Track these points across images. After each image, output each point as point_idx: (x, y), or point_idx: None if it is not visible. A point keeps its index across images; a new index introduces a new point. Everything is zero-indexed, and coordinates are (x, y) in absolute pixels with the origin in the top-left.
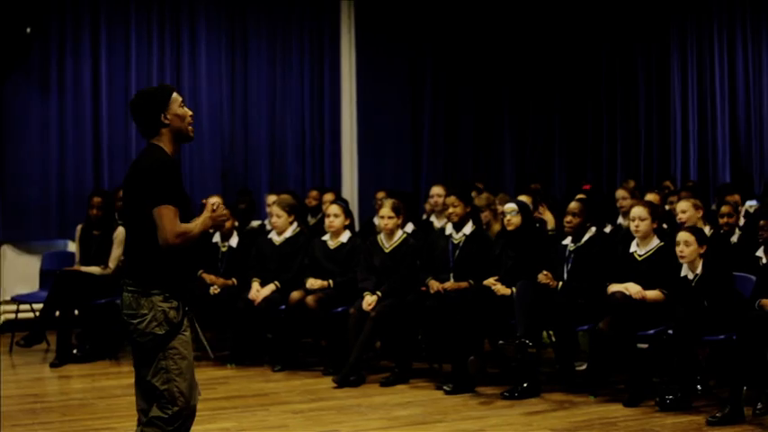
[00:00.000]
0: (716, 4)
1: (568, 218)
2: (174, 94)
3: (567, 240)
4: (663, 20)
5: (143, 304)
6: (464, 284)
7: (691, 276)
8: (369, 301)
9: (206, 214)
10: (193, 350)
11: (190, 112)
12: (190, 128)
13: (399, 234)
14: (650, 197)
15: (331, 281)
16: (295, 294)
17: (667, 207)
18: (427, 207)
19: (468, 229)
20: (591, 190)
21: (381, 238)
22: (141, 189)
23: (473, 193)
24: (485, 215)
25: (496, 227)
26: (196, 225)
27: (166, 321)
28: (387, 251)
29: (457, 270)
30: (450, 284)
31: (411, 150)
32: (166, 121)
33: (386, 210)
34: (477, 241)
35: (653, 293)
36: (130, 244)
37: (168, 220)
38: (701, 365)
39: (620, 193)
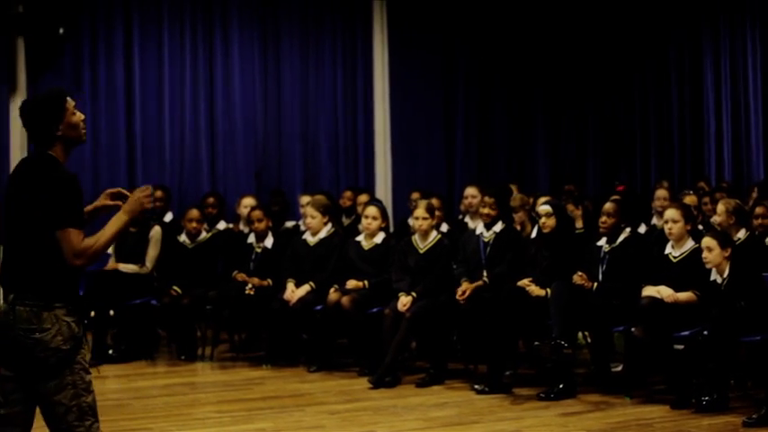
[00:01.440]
0: (749, 2)
1: (603, 218)
2: (68, 101)
3: (602, 241)
4: (695, 19)
5: (45, 318)
6: (480, 283)
7: (719, 280)
8: (404, 301)
9: (125, 208)
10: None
11: (82, 117)
12: (83, 132)
13: (434, 235)
14: (688, 200)
15: (366, 282)
16: (333, 295)
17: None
18: (461, 208)
19: (498, 227)
20: (624, 191)
21: (416, 238)
22: (39, 206)
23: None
24: (519, 216)
25: (530, 228)
26: (103, 232)
27: (71, 335)
28: (421, 252)
29: (489, 267)
30: (467, 286)
31: (444, 151)
32: (59, 134)
33: (420, 210)
34: (508, 237)
35: (686, 295)
36: (24, 256)
37: (67, 242)
38: (739, 366)
39: (661, 193)
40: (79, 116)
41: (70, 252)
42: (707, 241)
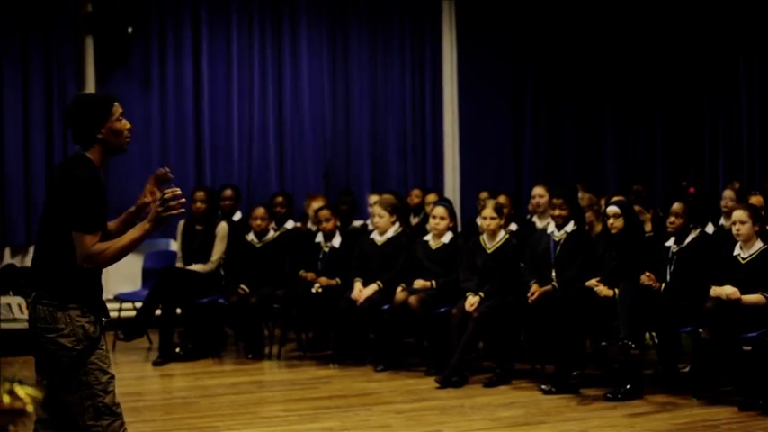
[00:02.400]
0: None
1: (671, 219)
2: (115, 106)
3: (671, 242)
4: (765, 18)
5: (59, 318)
6: (549, 288)
7: None
8: (471, 301)
9: (150, 216)
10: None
11: (128, 126)
12: (126, 141)
13: (502, 234)
14: (754, 200)
15: (434, 281)
16: (400, 294)
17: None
18: (529, 207)
19: (570, 227)
20: (694, 193)
21: (484, 238)
22: (62, 206)
23: (580, 195)
24: (588, 215)
25: (599, 227)
26: (121, 238)
27: (85, 336)
28: (489, 251)
29: (559, 267)
30: (537, 289)
31: (512, 150)
32: (100, 136)
33: (488, 210)
34: (579, 239)
35: (754, 297)
36: (46, 256)
37: (79, 244)
38: None
39: (728, 193)
40: (125, 124)
41: (80, 255)
42: None
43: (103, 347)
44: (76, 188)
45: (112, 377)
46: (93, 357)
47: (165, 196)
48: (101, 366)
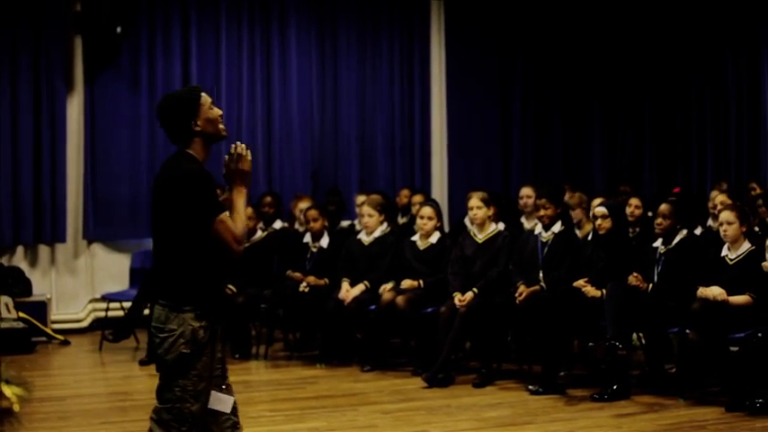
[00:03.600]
0: None
1: (659, 220)
2: (204, 97)
3: (658, 242)
4: (753, 19)
5: (173, 319)
6: (536, 288)
7: None
8: (461, 297)
9: (240, 193)
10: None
11: (219, 112)
12: (221, 127)
13: (493, 227)
14: (720, 198)
15: (421, 281)
16: (387, 295)
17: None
18: (519, 207)
19: (557, 227)
20: (680, 193)
21: (474, 229)
22: (179, 205)
23: (567, 196)
24: (576, 213)
25: (588, 226)
26: (236, 210)
27: (193, 341)
28: (480, 242)
29: (546, 268)
30: (524, 290)
31: (501, 151)
32: (197, 129)
33: (474, 201)
34: (566, 240)
35: (741, 298)
36: (163, 258)
37: (226, 229)
38: None
39: (715, 195)
40: (217, 111)
41: (232, 238)
42: None
43: (208, 355)
44: (191, 182)
45: (209, 386)
46: (197, 364)
47: (231, 151)
48: (201, 374)
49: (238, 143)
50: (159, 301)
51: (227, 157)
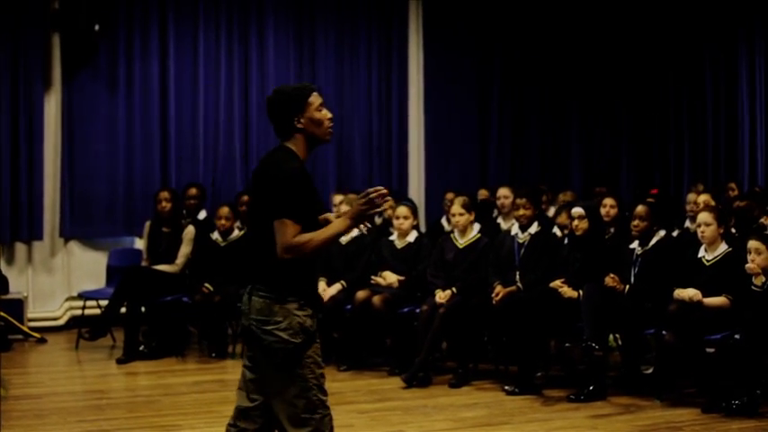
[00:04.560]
0: None
1: (636, 221)
2: (313, 96)
3: (635, 244)
4: (730, 21)
5: (277, 311)
6: (513, 288)
7: (759, 284)
8: (441, 295)
9: (351, 210)
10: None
11: (329, 116)
12: (328, 131)
13: (475, 232)
14: (704, 198)
15: (402, 277)
16: (361, 294)
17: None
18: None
19: (534, 228)
20: (657, 194)
21: (455, 234)
22: (267, 197)
23: (543, 198)
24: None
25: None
26: (324, 231)
27: (302, 330)
28: (460, 247)
29: (523, 269)
30: (501, 290)
31: (478, 152)
32: (300, 126)
33: (456, 207)
34: (543, 241)
35: (717, 300)
36: (262, 250)
37: (281, 234)
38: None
39: (692, 197)
40: (326, 114)
41: (281, 244)
42: (755, 244)
43: (318, 341)
44: (279, 179)
45: (324, 371)
46: (309, 351)
47: (371, 195)
48: (316, 360)
49: (382, 190)
50: (258, 293)
51: (370, 195)
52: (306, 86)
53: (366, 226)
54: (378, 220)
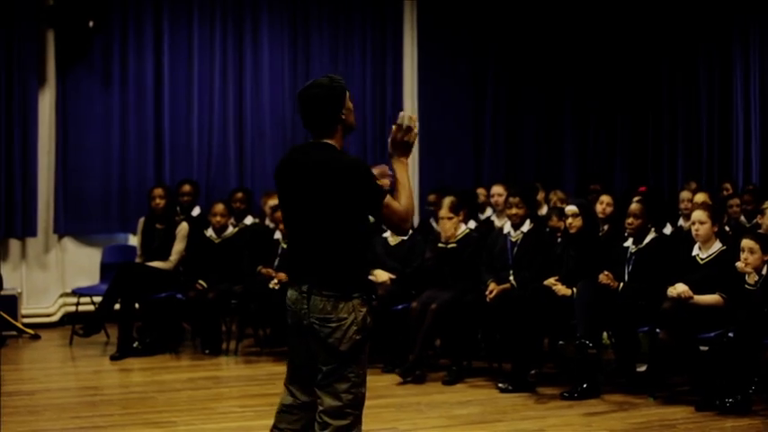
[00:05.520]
0: None
1: (630, 219)
2: (346, 90)
3: (629, 242)
4: (725, 20)
5: (342, 308)
6: (507, 286)
7: (752, 282)
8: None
9: (403, 165)
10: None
11: (352, 105)
12: (354, 120)
13: (462, 229)
14: (700, 197)
15: (393, 276)
16: None
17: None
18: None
19: (526, 226)
20: (646, 192)
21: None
22: (344, 195)
23: (540, 195)
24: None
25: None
26: (401, 184)
27: (364, 327)
28: (448, 247)
29: (516, 267)
30: (495, 287)
31: (472, 150)
32: (343, 117)
33: (444, 211)
34: (536, 238)
35: (711, 298)
36: (322, 249)
37: (393, 212)
38: (763, 369)
39: (685, 195)
40: (351, 104)
41: (399, 219)
42: (749, 243)
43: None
44: (356, 172)
45: None
46: (366, 348)
47: (400, 122)
48: (366, 357)
49: (407, 114)
50: (322, 293)
51: (394, 126)
52: (339, 78)
53: None
54: (372, 217)
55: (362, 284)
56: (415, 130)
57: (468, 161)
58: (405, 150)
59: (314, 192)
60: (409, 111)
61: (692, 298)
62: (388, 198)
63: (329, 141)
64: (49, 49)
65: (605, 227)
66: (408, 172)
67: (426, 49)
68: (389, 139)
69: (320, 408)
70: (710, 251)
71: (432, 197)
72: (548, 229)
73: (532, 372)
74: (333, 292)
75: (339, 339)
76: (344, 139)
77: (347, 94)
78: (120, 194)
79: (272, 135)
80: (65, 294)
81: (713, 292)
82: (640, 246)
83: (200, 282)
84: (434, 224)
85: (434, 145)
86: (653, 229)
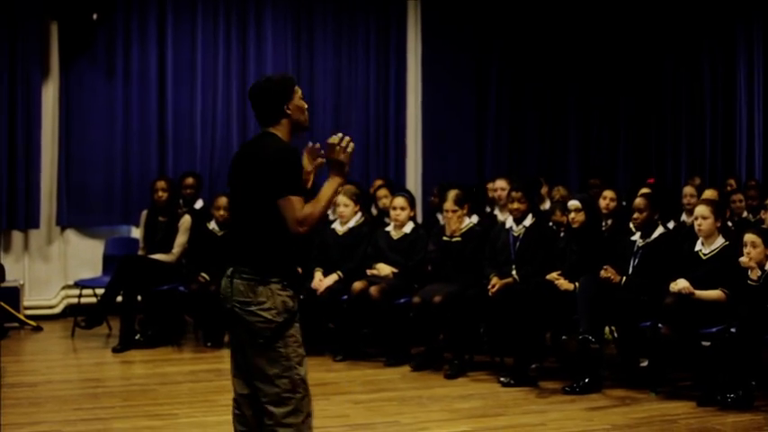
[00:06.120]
0: None
1: (635, 214)
2: (296, 87)
3: (636, 236)
4: (729, 16)
5: (261, 292)
6: (509, 280)
7: (755, 277)
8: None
9: (332, 182)
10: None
11: (306, 105)
12: (308, 118)
13: (466, 222)
14: (708, 194)
15: (396, 269)
16: (358, 284)
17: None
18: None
19: (528, 221)
20: (655, 184)
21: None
22: (264, 179)
23: (543, 190)
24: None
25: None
26: (321, 195)
27: (285, 310)
28: (452, 241)
29: (519, 262)
30: (497, 281)
31: (475, 145)
32: (288, 111)
33: (449, 204)
34: (538, 233)
35: (713, 293)
36: (246, 232)
37: (291, 210)
38: (764, 364)
39: (688, 190)
40: (304, 104)
41: (293, 220)
42: (751, 237)
43: (299, 321)
44: (277, 158)
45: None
46: (291, 330)
47: (332, 141)
48: (297, 339)
49: (342, 135)
50: (242, 276)
51: (329, 144)
52: (290, 76)
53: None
54: (375, 211)
55: (283, 269)
56: (349, 150)
57: (470, 156)
58: (338, 169)
59: (243, 179)
60: (413, 106)
61: (693, 294)
62: (289, 201)
63: (274, 132)
64: (52, 42)
65: (608, 222)
66: (334, 189)
67: (430, 45)
68: (323, 157)
69: (262, 398)
70: (713, 246)
71: (435, 199)
72: (551, 224)
73: (533, 366)
74: (251, 275)
75: (258, 323)
76: (293, 135)
77: (297, 91)
78: (123, 187)
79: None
80: (67, 286)
81: (716, 288)
82: (648, 240)
83: (203, 275)
84: (440, 218)
85: (437, 140)
86: (660, 224)
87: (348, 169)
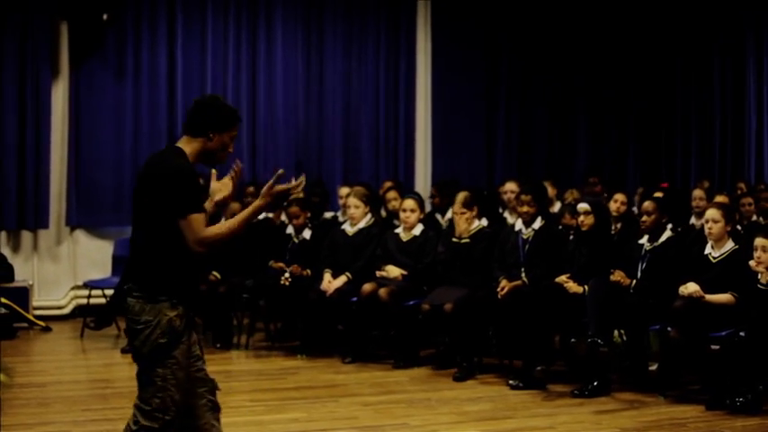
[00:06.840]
0: None
1: (644, 217)
2: (237, 126)
3: (644, 239)
4: (739, 19)
5: (148, 310)
6: (518, 283)
7: (765, 281)
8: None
9: (259, 201)
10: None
11: (231, 150)
12: (222, 160)
13: (475, 224)
14: (720, 198)
15: (405, 272)
16: (367, 286)
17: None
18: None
19: (538, 224)
20: (667, 188)
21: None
22: (160, 196)
23: (551, 193)
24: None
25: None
26: (238, 216)
27: (170, 330)
28: (461, 242)
29: (528, 265)
30: (507, 284)
31: (485, 146)
32: (210, 136)
33: (457, 206)
34: (547, 236)
35: (722, 297)
36: (138, 248)
37: (191, 230)
38: None
39: (698, 193)
40: (231, 147)
41: (193, 239)
42: (762, 241)
43: (185, 342)
44: (172, 176)
45: (188, 374)
46: (175, 352)
47: (291, 187)
48: (180, 362)
49: (302, 179)
50: (133, 293)
51: (283, 188)
52: (238, 115)
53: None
54: (384, 213)
55: (173, 289)
56: (297, 191)
57: (480, 158)
58: (275, 202)
59: (140, 195)
60: (422, 108)
61: (703, 298)
62: (190, 220)
63: (180, 146)
64: (62, 42)
65: (618, 225)
66: (252, 214)
67: (439, 44)
68: (268, 185)
69: (136, 402)
70: (723, 250)
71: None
72: (560, 227)
73: (538, 368)
74: (141, 293)
75: (142, 341)
76: (198, 159)
77: (233, 131)
78: (132, 187)
79: (285, 130)
80: (76, 287)
81: (725, 292)
82: (656, 243)
83: (214, 273)
84: (439, 218)
85: (447, 141)
86: (669, 228)
87: (279, 203)
